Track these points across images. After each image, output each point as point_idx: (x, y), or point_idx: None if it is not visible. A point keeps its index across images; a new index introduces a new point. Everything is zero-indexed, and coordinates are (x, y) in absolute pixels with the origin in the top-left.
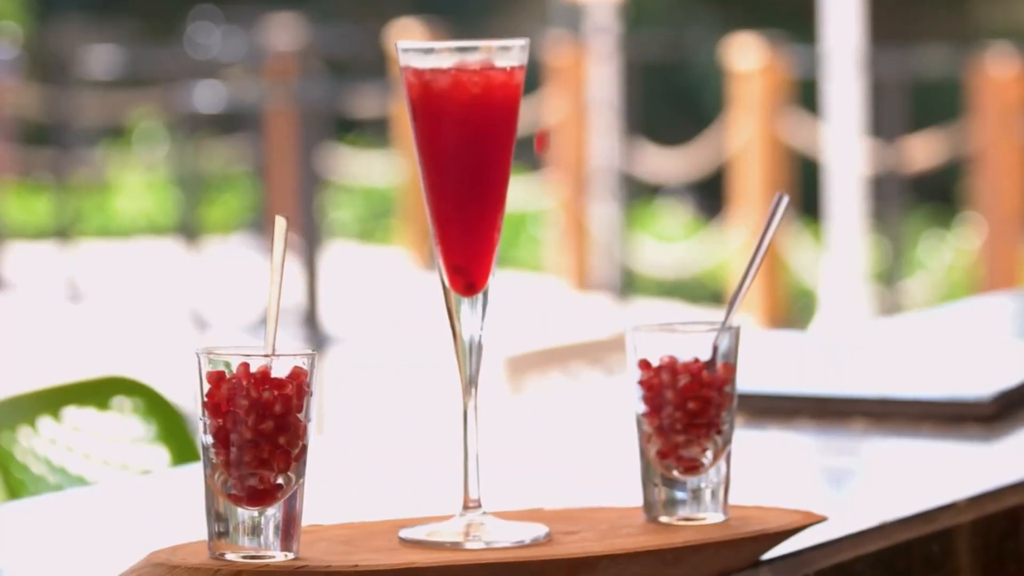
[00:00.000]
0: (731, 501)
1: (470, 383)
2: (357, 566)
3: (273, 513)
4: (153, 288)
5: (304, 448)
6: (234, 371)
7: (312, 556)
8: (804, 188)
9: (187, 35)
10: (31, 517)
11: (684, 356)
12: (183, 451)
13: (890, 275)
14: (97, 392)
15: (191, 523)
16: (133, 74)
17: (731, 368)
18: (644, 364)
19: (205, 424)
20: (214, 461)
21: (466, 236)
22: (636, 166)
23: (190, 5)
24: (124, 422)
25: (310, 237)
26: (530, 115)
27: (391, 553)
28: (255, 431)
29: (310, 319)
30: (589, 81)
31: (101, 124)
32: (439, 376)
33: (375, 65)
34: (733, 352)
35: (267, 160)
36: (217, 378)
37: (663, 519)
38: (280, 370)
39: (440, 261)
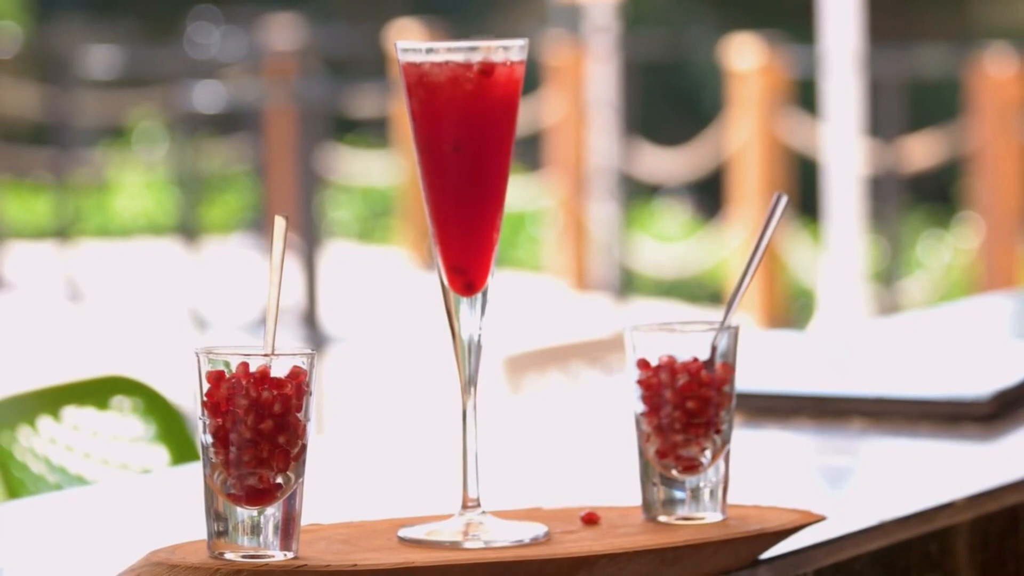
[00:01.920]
0: (730, 500)
1: (469, 383)
2: (356, 565)
3: (272, 512)
4: (153, 288)
5: (303, 447)
6: (233, 371)
7: (311, 555)
8: (803, 188)
9: (187, 35)
10: (31, 516)
11: (683, 355)
12: (182, 450)
13: (888, 275)
14: (97, 392)
15: (190, 522)
16: (133, 74)
17: (730, 368)
18: (643, 363)
19: (204, 423)
20: (213, 460)
21: (465, 236)
22: (635, 166)
23: (190, 5)
24: (124, 421)
25: (309, 237)
26: (530, 115)
27: (390, 552)
28: (254, 430)
29: (309, 319)
30: (588, 81)
31: (101, 124)
32: (438, 376)
33: (374, 65)
34: (732, 352)
35: (266, 160)
36: (216, 377)
37: (662, 518)
38: (279, 370)
39: (439, 261)
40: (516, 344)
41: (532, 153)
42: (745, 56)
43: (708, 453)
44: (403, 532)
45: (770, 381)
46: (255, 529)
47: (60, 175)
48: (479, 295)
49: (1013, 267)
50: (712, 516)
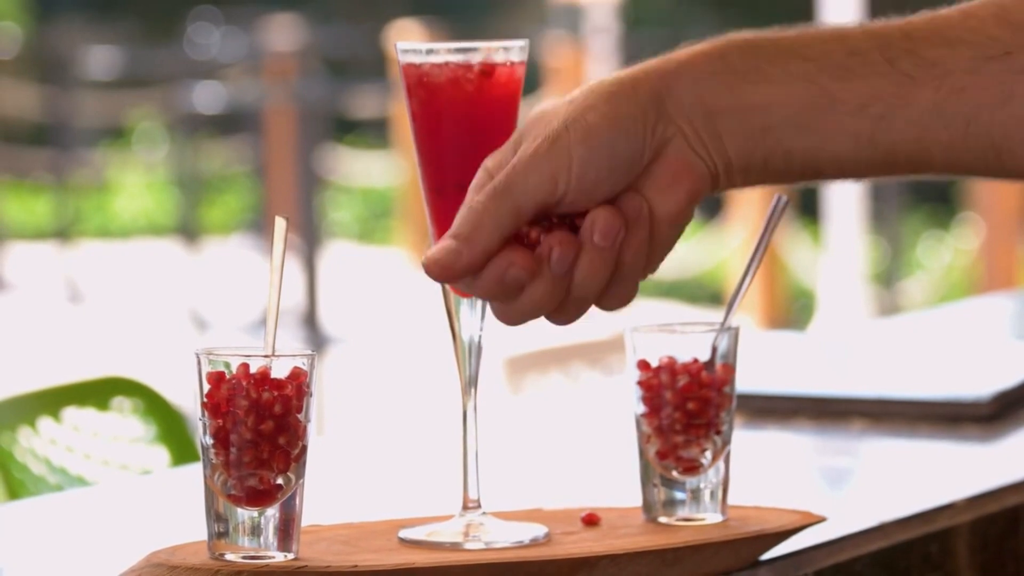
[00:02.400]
0: (730, 501)
1: (469, 384)
2: (356, 566)
3: (273, 513)
4: (153, 288)
5: (304, 448)
6: (234, 372)
7: (312, 556)
8: (802, 188)
9: (186, 36)
10: (31, 517)
11: (683, 357)
12: (183, 451)
13: (889, 276)
14: (97, 392)
15: (191, 523)
16: (133, 75)
17: (730, 369)
18: (643, 364)
19: (204, 425)
20: (214, 461)
21: None
22: None
23: (189, 6)
24: (124, 422)
25: (310, 237)
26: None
27: (390, 553)
28: (255, 432)
29: (310, 319)
30: (588, 81)
31: (101, 124)
32: (439, 376)
33: (374, 66)
34: (732, 353)
35: (267, 160)
36: (217, 379)
37: (662, 519)
38: (280, 371)
39: None
40: (517, 345)
41: None
42: None
43: (708, 454)
44: (403, 533)
45: (770, 382)
46: (255, 530)
47: (60, 176)
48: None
49: (1013, 268)
50: (712, 517)
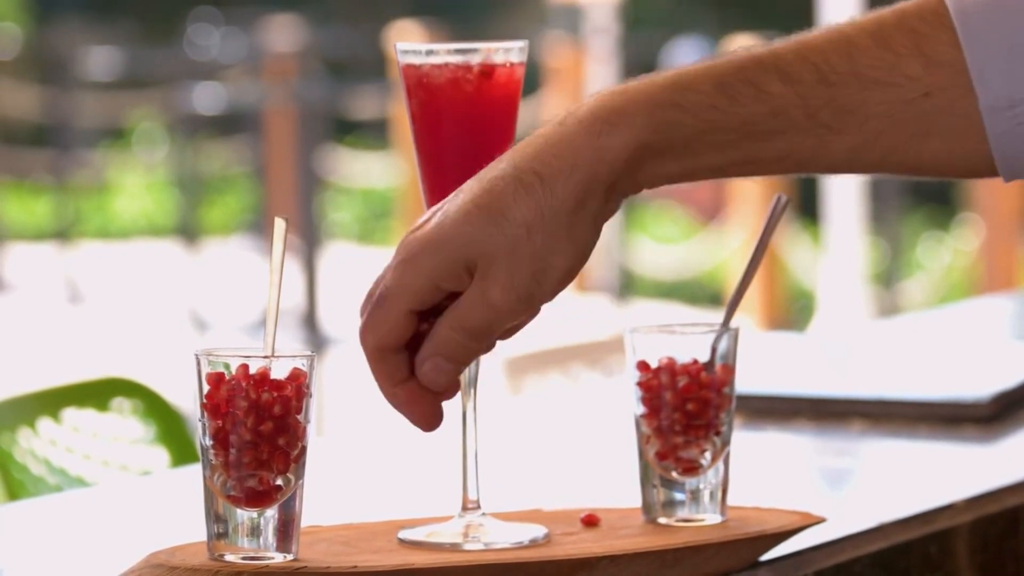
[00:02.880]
0: (730, 502)
1: (469, 384)
2: (356, 567)
3: (272, 514)
4: (153, 289)
5: (303, 449)
6: (233, 372)
7: (311, 557)
8: (803, 189)
9: (187, 37)
10: (31, 518)
11: (683, 357)
12: (182, 452)
13: (889, 276)
14: (97, 393)
15: (190, 524)
16: (132, 75)
17: (730, 369)
18: (643, 365)
19: (204, 425)
20: (213, 462)
21: None
22: None
23: (189, 7)
24: (124, 423)
25: (309, 238)
26: (530, 116)
27: (390, 554)
28: (254, 432)
29: (309, 320)
30: (588, 82)
31: (101, 125)
32: None
33: (374, 66)
34: (732, 353)
35: (266, 161)
36: (216, 379)
37: (662, 520)
38: (279, 371)
39: None
40: (516, 346)
41: None
42: None
43: (708, 455)
44: (403, 534)
45: (770, 383)
46: (255, 531)
47: (60, 176)
48: None
49: (1013, 268)
50: (712, 518)
